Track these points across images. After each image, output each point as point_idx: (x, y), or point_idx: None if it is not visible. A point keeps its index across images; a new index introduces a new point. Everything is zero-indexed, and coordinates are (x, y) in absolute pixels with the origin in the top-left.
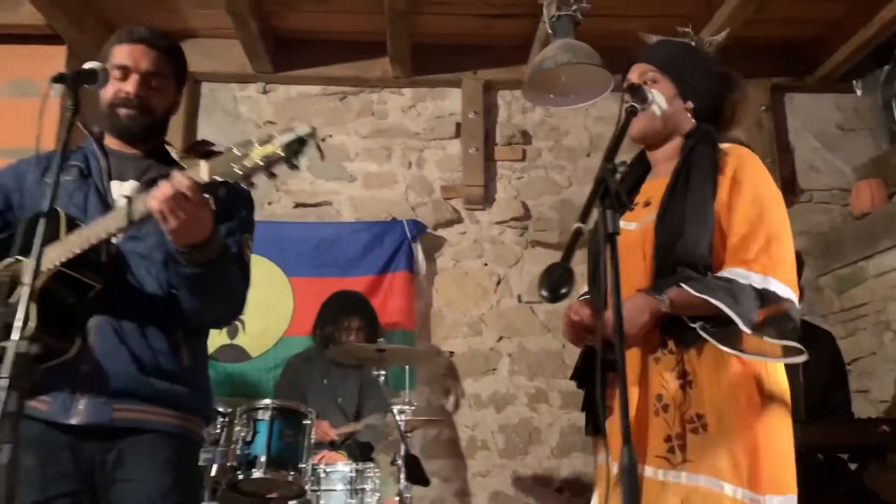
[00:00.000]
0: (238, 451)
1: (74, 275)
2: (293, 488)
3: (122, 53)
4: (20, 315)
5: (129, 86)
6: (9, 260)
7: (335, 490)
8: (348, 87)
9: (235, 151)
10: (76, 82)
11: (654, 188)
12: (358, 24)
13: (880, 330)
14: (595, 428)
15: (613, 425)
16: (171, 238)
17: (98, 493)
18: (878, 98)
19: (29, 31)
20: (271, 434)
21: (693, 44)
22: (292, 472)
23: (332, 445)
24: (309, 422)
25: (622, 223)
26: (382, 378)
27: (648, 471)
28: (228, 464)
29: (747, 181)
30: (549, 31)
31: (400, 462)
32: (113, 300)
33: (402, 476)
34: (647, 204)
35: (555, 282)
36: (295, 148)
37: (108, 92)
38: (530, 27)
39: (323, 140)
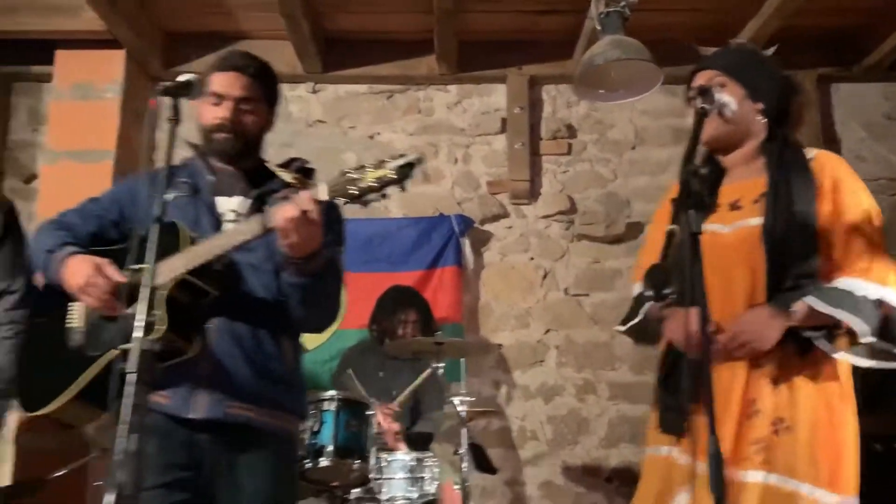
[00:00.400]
0: (306, 441)
1: (197, 282)
2: (358, 476)
3: (216, 81)
4: (141, 316)
5: (223, 111)
6: (133, 268)
7: (395, 478)
8: (395, 85)
9: (351, 174)
10: (177, 94)
11: (741, 191)
12: (405, 23)
13: None
14: (673, 426)
15: (698, 426)
16: (287, 250)
17: (209, 485)
18: None
19: (89, 37)
20: (338, 424)
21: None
22: (357, 461)
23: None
24: (371, 412)
25: (709, 226)
26: (441, 371)
27: (736, 473)
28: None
29: (847, 190)
30: (598, 28)
31: (462, 451)
32: (228, 306)
33: (465, 465)
34: (736, 207)
35: (658, 282)
36: (406, 171)
37: (205, 117)
38: (575, 22)
39: (371, 138)
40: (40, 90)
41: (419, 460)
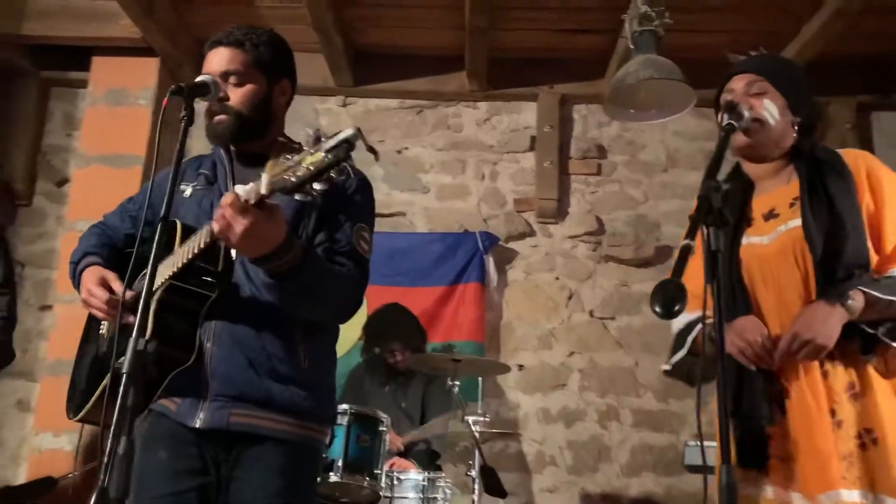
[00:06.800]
0: None
1: (188, 286)
2: (367, 493)
3: (205, 63)
4: (138, 318)
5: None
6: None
7: (407, 497)
8: (425, 100)
9: (289, 162)
10: (190, 95)
11: (774, 200)
12: (437, 39)
13: None
14: (749, 459)
15: (779, 453)
16: (241, 253)
17: (219, 493)
18: None
19: (125, 44)
20: (348, 439)
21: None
22: (367, 478)
23: (400, 453)
24: (384, 429)
25: (749, 238)
26: (456, 389)
27: (833, 495)
28: None
29: (886, 181)
30: (632, 47)
31: (474, 473)
32: (230, 306)
33: (477, 487)
34: (772, 216)
35: (668, 298)
36: (341, 152)
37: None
38: (609, 42)
39: (399, 153)
40: (76, 96)
41: (431, 480)
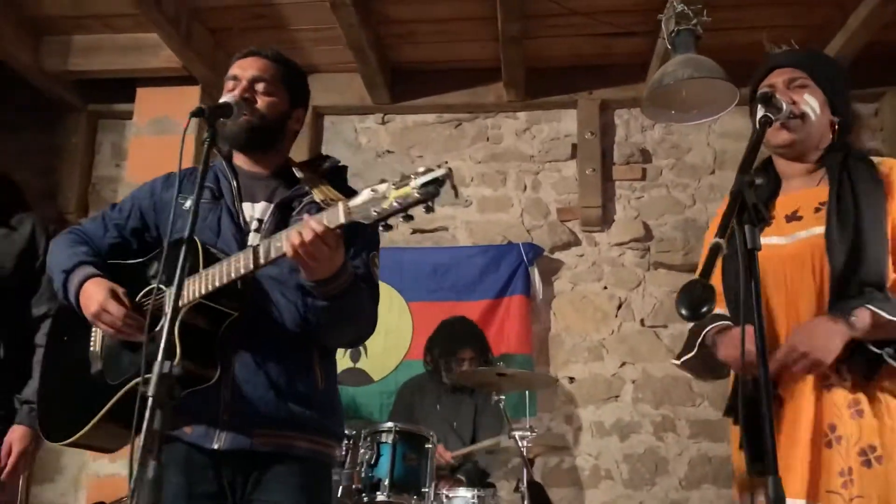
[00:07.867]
0: (362, 474)
1: (213, 305)
2: None
3: (233, 67)
4: (164, 339)
5: (236, 91)
6: (151, 287)
7: None
8: (463, 113)
9: (373, 193)
10: (213, 115)
11: (799, 201)
12: (472, 51)
13: None
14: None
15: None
16: (303, 274)
17: None
18: None
19: (167, 74)
20: (394, 457)
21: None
22: (414, 497)
23: (451, 471)
24: (431, 446)
25: (766, 238)
26: (502, 404)
27: None
28: (353, 486)
29: None
30: (669, 47)
31: (523, 489)
32: (251, 326)
33: (527, 503)
34: (795, 218)
35: (696, 300)
36: (431, 189)
37: None
38: (648, 45)
39: (439, 167)
40: (123, 127)
41: (481, 498)
